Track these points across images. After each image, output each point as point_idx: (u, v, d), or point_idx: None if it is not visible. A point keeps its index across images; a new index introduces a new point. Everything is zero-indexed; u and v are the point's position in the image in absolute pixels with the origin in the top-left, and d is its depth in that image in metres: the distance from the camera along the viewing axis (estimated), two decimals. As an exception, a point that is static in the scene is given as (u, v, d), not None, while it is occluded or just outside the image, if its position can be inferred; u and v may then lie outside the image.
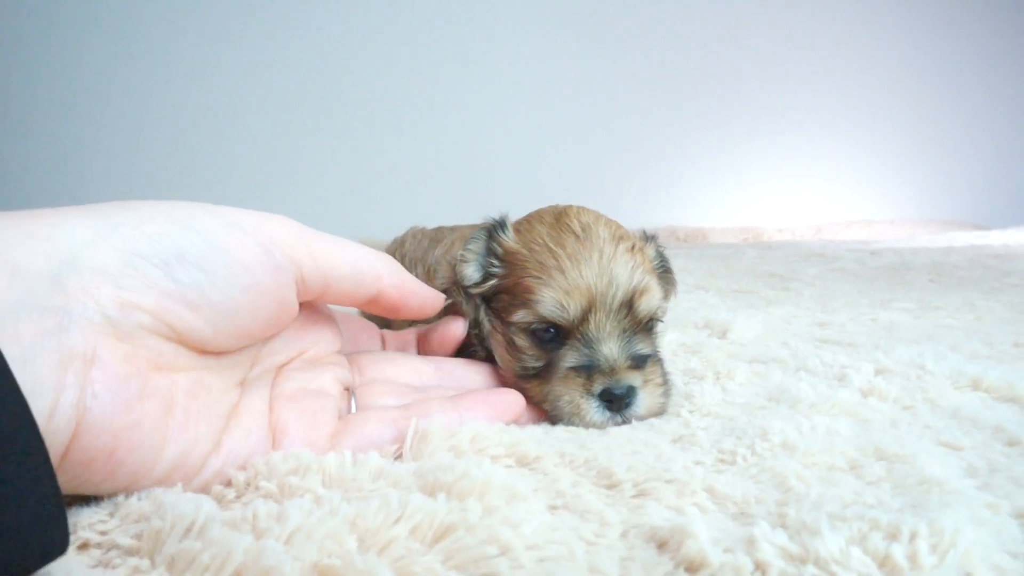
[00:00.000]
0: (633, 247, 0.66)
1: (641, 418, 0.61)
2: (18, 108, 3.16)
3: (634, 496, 0.44)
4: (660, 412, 0.63)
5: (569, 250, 0.63)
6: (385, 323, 0.97)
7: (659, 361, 0.65)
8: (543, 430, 0.60)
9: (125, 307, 0.39)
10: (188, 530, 0.38)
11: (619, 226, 0.68)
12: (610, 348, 0.62)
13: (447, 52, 3.69)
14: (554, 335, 0.63)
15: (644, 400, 0.61)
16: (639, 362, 0.62)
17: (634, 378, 0.61)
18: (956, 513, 0.35)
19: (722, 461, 0.49)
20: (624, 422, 0.61)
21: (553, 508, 0.42)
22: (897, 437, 0.51)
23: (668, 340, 0.97)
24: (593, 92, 3.96)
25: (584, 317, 0.62)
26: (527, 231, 0.66)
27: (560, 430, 0.60)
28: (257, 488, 0.46)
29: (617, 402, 0.60)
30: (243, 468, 0.48)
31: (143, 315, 0.40)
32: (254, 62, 3.41)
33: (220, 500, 0.45)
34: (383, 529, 0.38)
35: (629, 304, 0.63)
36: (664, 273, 0.72)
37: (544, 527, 0.39)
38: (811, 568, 0.31)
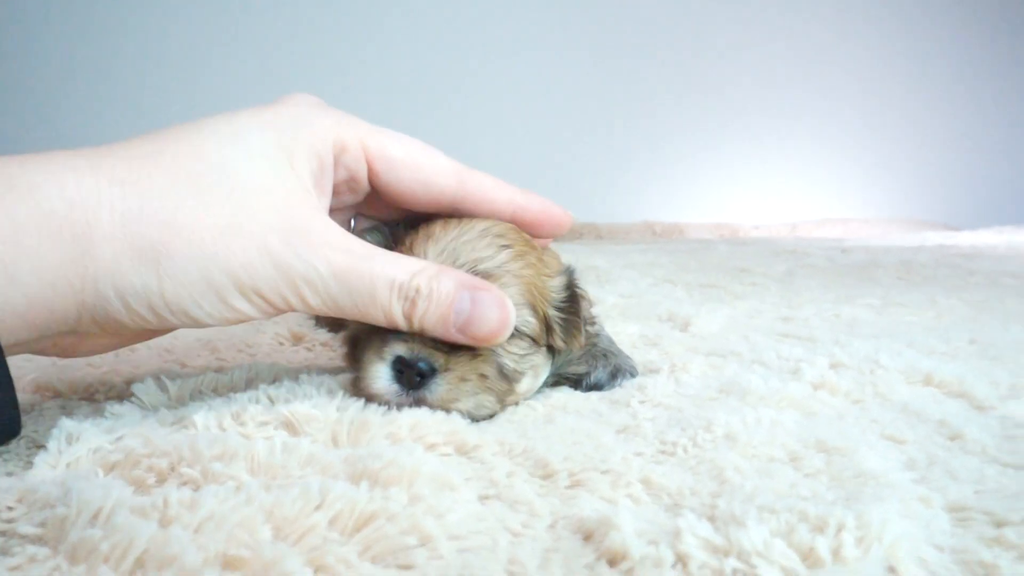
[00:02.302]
0: (511, 247, 0.59)
1: (436, 408, 0.54)
2: (16, 104, 3.07)
3: (568, 487, 0.42)
4: (469, 413, 0.56)
5: (431, 231, 0.59)
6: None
7: (493, 361, 0.57)
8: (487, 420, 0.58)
9: (118, 331, 0.50)
10: (95, 517, 0.36)
11: (519, 234, 0.62)
12: None
13: (425, 58, 3.66)
14: None
15: (441, 387, 0.54)
16: (455, 349, 0.55)
17: (437, 359, 0.54)
18: (886, 506, 0.35)
19: (663, 452, 0.48)
20: (415, 404, 0.54)
21: (484, 498, 0.41)
22: (841, 430, 0.51)
23: (629, 332, 0.97)
24: (571, 90, 3.95)
25: None
26: (424, 226, 0.61)
27: (501, 420, 0.58)
28: (180, 475, 0.44)
29: (408, 375, 0.54)
30: (167, 454, 0.46)
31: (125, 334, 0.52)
32: (256, 62, 3.36)
33: (140, 485, 0.43)
34: (300, 518, 0.36)
35: None
36: (566, 311, 0.64)
37: (470, 517, 0.38)
38: (733, 561, 0.31)
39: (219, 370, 0.68)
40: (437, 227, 0.59)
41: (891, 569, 0.31)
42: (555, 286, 0.64)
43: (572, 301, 0.64)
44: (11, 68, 3.05)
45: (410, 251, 0.58)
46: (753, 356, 0.78)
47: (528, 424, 0.56)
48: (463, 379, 0.55)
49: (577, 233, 3.46)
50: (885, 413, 0.57)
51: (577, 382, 0.69)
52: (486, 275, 0.57)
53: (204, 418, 0.53)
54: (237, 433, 0.50)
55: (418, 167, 0.55)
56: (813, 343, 0.87)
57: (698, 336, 0.95)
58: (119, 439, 0.50)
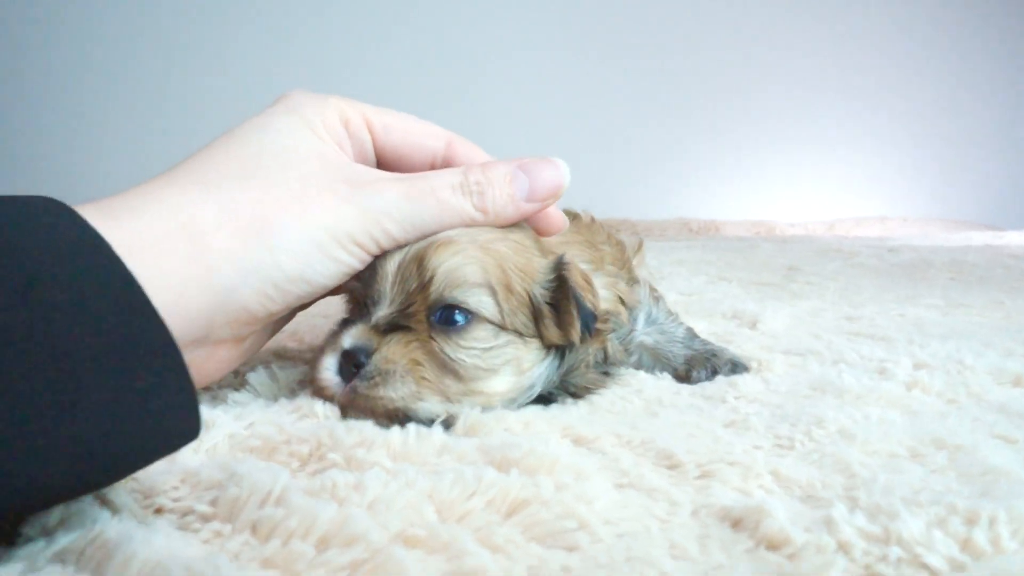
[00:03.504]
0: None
1: (368, 398, 0.52)
2: (23, 104, 3.14)
3: (698, 477, 0.44)
4: (402, 407, 0.52)
5: None
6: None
7: (431, 350, 0.54)
8: (588, 411, 0.60)
9: (247, 324, 0.51)
10: (266, 499, 0.39)
11: (527, 238, 0.60)
12: (378, 313, 0.54)
13: (461, 43, 3.68)
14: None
15: (368, 371, 0.52)
16: (398, 331, 0.53)
17: (372, 340, 0.53)
18: (1030, 501, 0.36)
19: (780, 446, 0.49)
20: (356, 392, 0.52)
21: (619, 486, 0.43)
22: (950, 429, 0.52)
23: (700, 329, 0.97)
24: (608, 88, 3.95)
25: (372, 274, 0.55)
26: None
27: (604, 412, 0.60)
28: (322, 459, 0.46)
29: (345, 366, 0.53)
30: (305, 440, 0.48)
31: (252, 328, 0.52)
32: (259, 63, 3.39)
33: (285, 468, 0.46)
34: (459, 502, 0.38)
35: (420, 262, 0.53)
36: (557, 296, 0.57)
37: (615, 504, 0.40)
38: (895, 549, 0.32)
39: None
40: None
41: (1049, 561, 0.32)
42: (543, 266, 0.59)
43: (561, 287, 0.58)
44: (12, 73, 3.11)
45: None
46: (833, 356, 0.79)
47: (632, 417, 0.58)
48: (389, 360, 0.52)
49: (614, 229, 3.46)
50: (985, 414, 0.58)
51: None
52: (440, 245, 0.53)
53: (323, 409, 0.55)
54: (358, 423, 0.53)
55: (410, 131, 0.60)
56: (889, 343, 0.88)
57: (768, 334, 0.96)
58: (250, 425, 0.53)
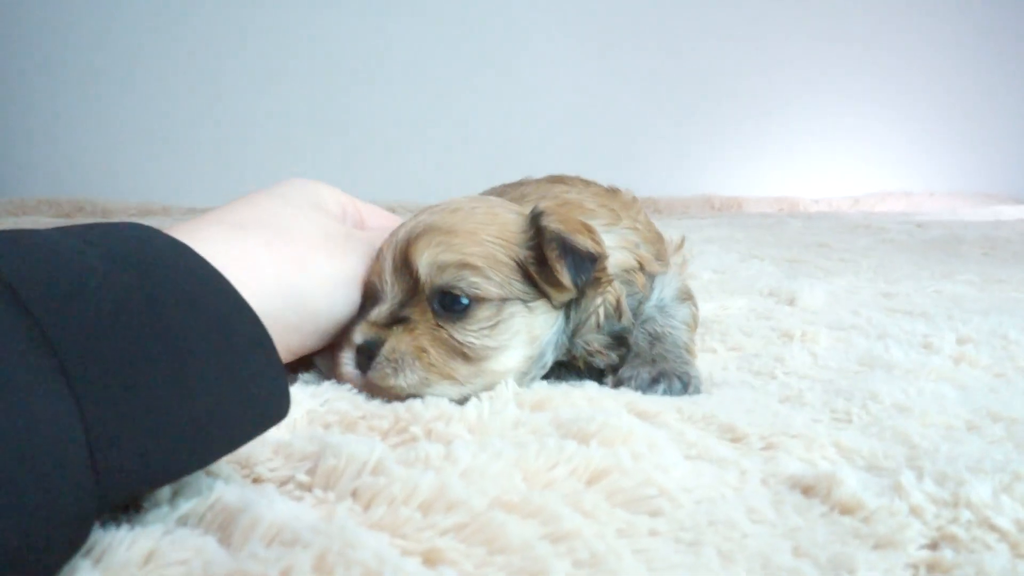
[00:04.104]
0: (459, 211, 0.60)
1: (383, 388, 0.55)
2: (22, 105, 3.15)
3: (763, 449, 0.46)
4: (414, 394, 0.55)
5: None
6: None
7: (438, 336, 0.56)
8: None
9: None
10: (363, 468, 0.41)
11: (497, 204, 0.62)
12: (380, 309, 0.57)
13: (486, 16, 3.66)
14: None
15: (379, 363, 0.55)
16: (401, 322, 0.56)
17: (379, 334, 0.56)
18: (1091, 469, 0.38)
19: (838, 420, 0.51)
20: (372, 383, 0.56)
21: (689, 457, 0.45)
22: (1003, 402, 0.54)
23: (739, 306, 0.99)
24: (629, 65, 3.91)
25: (379, 272, 0.59)
26: None
27: (660, 391, 0.62)
28: (403, 432, 0.49)
29: (359, 359, 0.56)
30: (383, 416, 0.51)
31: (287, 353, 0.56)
32: (265, 66, 3.37)
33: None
34: (544, 471, 0.41)
35: (405, 258, 0.57)
36: (537, 250, 0.57)
37: (690, 473, 0.42)
38: (965, 512, 0.34)
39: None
40: None
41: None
42: (520, 224, 0.59)
43: (536, 232, 0.58)
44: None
45: None
46: (876, 331, 0.81)
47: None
48: (395, 351, 0.55)
49: (638, 208, 3.45)
50: (1034, 387, 0.59)
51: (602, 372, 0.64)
52: (418, 236, 0.57)
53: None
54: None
55: (382, 212, 0.73)
56: (928, 319, 0.89)
57: (808, 311, 0.97)
58: (326, 402, 0.56)
